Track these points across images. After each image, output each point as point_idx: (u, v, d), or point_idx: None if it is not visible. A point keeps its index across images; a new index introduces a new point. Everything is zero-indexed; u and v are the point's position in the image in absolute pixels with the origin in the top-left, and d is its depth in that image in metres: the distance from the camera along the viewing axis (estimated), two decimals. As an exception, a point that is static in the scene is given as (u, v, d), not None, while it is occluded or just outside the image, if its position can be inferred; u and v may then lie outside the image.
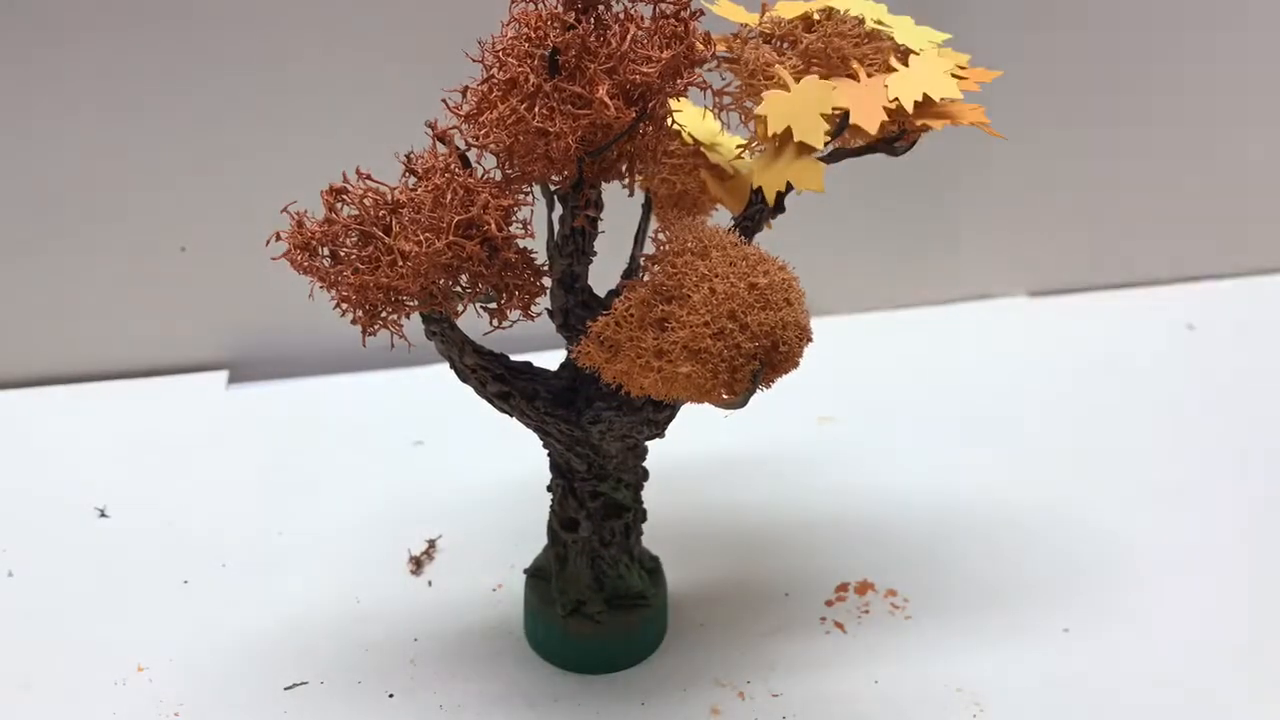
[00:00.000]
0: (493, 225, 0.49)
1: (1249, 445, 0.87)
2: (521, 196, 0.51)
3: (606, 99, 0.47)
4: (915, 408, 0.92)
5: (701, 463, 0.84)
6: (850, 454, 0.86)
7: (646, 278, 0.51)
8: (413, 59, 0.87)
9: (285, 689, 0.64)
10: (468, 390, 0.59)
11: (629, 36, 0.48)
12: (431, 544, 0.76)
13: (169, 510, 0.79)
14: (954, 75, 0.53)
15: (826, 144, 0.51)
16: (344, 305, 0.50)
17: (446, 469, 0.84)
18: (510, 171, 0.51)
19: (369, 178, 0.50)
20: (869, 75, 0.53)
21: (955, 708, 0.63)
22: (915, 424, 0.90)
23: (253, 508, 0.79)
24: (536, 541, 0.69)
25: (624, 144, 0.51)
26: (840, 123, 0.52)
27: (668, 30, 0.49)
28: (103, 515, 0.78)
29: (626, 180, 0.54)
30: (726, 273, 0.49)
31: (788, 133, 0.51)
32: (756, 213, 0.57)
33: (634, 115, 0.49)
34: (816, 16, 0.56)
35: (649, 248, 0.52)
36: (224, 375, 0.96)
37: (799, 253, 0.55)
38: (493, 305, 0.52)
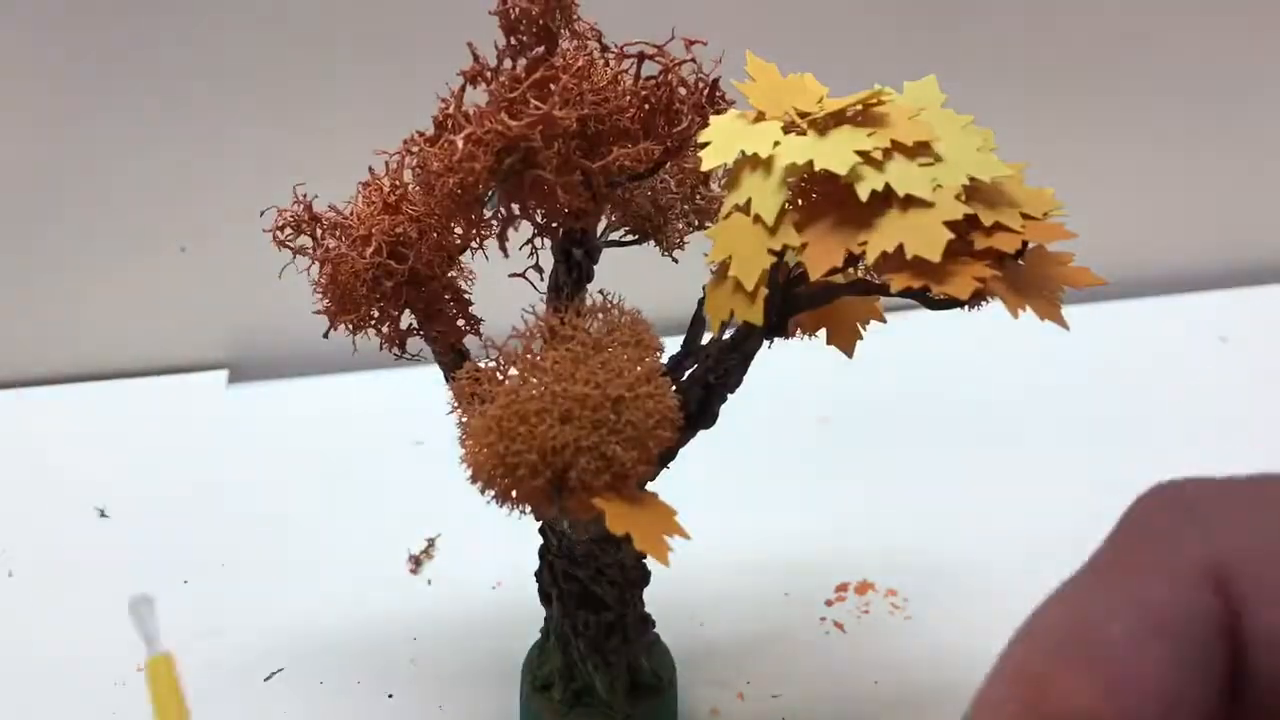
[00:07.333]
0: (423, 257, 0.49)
1: (1252, 447, 0.86)
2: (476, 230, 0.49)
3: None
4: (915, 408, 0.92)
5: (701, 462, 0.83)
6: (850, 454, 0.86)
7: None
8: (415, 59, 0.87)
9: (281, 683, 0.64)
10: (468, 390, 0.59)
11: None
12: (431, 543, 0.76)
13: (169, 510, 0.79)
14: (1019, 217, 0.42)
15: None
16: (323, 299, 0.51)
17: (446, 469, 0.83)
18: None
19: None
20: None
21: (955, 708, 0.63)
22: (915, 424, 0.90)
23: (253, 508, 0.79)
24: (536, 541, 0.69)
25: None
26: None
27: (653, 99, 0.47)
28: (103, 515, 0.78)
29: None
30: (561, 369, 0.42)
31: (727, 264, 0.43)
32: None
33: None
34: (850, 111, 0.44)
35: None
36: (224, 375, 0.95)
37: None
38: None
